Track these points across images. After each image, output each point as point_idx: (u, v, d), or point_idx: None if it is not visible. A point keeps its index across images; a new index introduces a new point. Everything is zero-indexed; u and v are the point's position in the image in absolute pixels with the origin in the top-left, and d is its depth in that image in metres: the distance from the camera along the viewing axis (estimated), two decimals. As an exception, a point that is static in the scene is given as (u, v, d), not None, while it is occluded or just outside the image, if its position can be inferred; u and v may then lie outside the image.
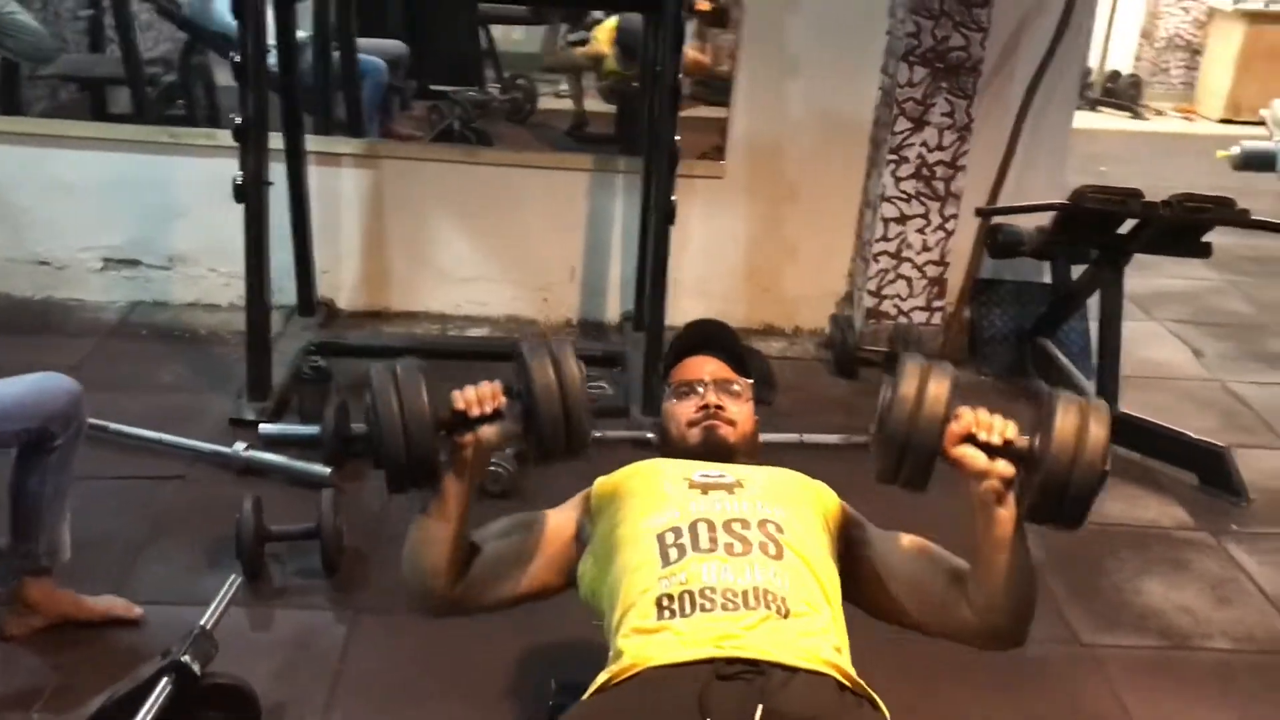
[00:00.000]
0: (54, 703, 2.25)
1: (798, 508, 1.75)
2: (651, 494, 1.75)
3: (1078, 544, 3.06)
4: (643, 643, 1.55)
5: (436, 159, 4.26)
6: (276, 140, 3.59)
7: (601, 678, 1.55)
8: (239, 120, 3.22)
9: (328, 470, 3.05)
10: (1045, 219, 3.69)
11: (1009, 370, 4.08)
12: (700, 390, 1.92)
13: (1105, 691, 2.53)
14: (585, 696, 1.55)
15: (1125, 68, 9.15)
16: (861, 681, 1.55)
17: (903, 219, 3.99)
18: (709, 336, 2.06)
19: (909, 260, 4.03)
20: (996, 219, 3.85)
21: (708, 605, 1.56)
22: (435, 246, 4.22)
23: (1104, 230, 3.56)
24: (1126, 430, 3.55)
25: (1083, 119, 4.34)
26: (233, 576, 2.27)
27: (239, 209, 3.30)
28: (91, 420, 2.46)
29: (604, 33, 5.37)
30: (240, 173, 3.26)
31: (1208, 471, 3.45)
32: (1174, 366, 4.36)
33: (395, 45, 4.89)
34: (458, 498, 1.72)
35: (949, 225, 4.00)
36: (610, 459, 1.98)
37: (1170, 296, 4.97)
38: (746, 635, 1.52)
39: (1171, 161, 7.24)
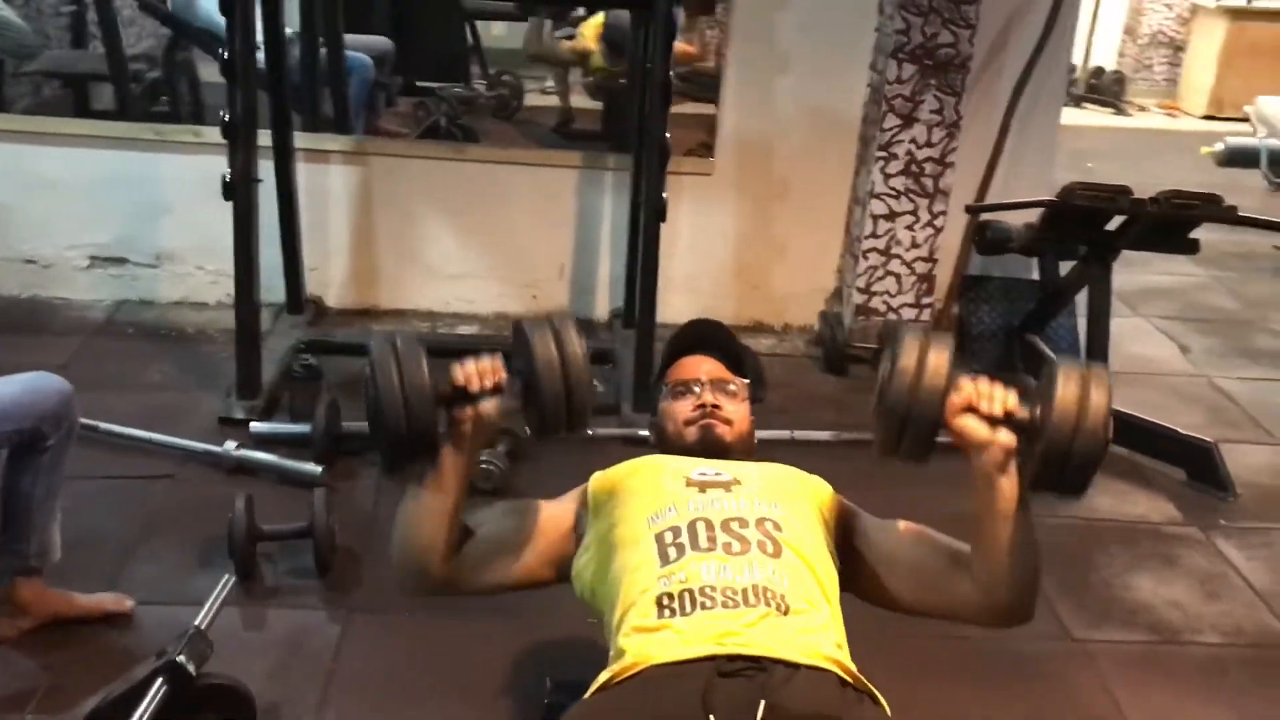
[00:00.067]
0: (46, 704, 2.24)
1: (795, 504, 1.76)
2: (650, 493, 1.75)
3: (1068, 540, 3.09)
4: (644, 641, 1.55)
5: (425, 156, 4.24)
6: (264, 137, 3.57)
7: (603, 676, 1.55)
8: (228, 117, 3.20)
9: (319, 469, 3.04)
10: (1034, 215, 3.70)
11: (997, 367, 4.08)
12: (697, 390, 1.93)
13: (1097, 686, 2.55)
14: (587, 695, 1.55)
15: (1109, 64, 9.19)
16: (862, 677, 1.56)
17: (892, 216, 4.00)
18: (705, 336, 2.06)
19: (898, 257, 4.04)
20: (985, 215, 3.86)
21: (708, 603, 1.56)
22: (424, 244, 4.21)
23: (1092, 227, 3.57)
24: (1114, 426, 3.56)
25: (1067, 115, 4.35)
26: (226, 576, 2.26)
27: (226, 206, 3.28)
28: (82, 420, 2.45)
29: (590, 29, 5.36)
30: (229, 170, 3.24)
31: (1195, 467, 3.47)
32: (1161, 362, 4.39)
33: (381, 41, 4.87)
34: (456, 472, 1.69)
35: (938, 222, 4.01)
36: (602, 456, 1.98)
37: (1157, 293, 5.00)
38: (747, 632, 1.53)
39: (1156, 158, 7.28)
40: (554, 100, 5.38)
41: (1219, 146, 7.18)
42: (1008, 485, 1.61)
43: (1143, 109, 9.10)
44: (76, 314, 4.06)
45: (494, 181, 4.17)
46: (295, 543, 2.70)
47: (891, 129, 3.90)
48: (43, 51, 4.43)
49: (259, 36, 3.51)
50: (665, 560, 1.63)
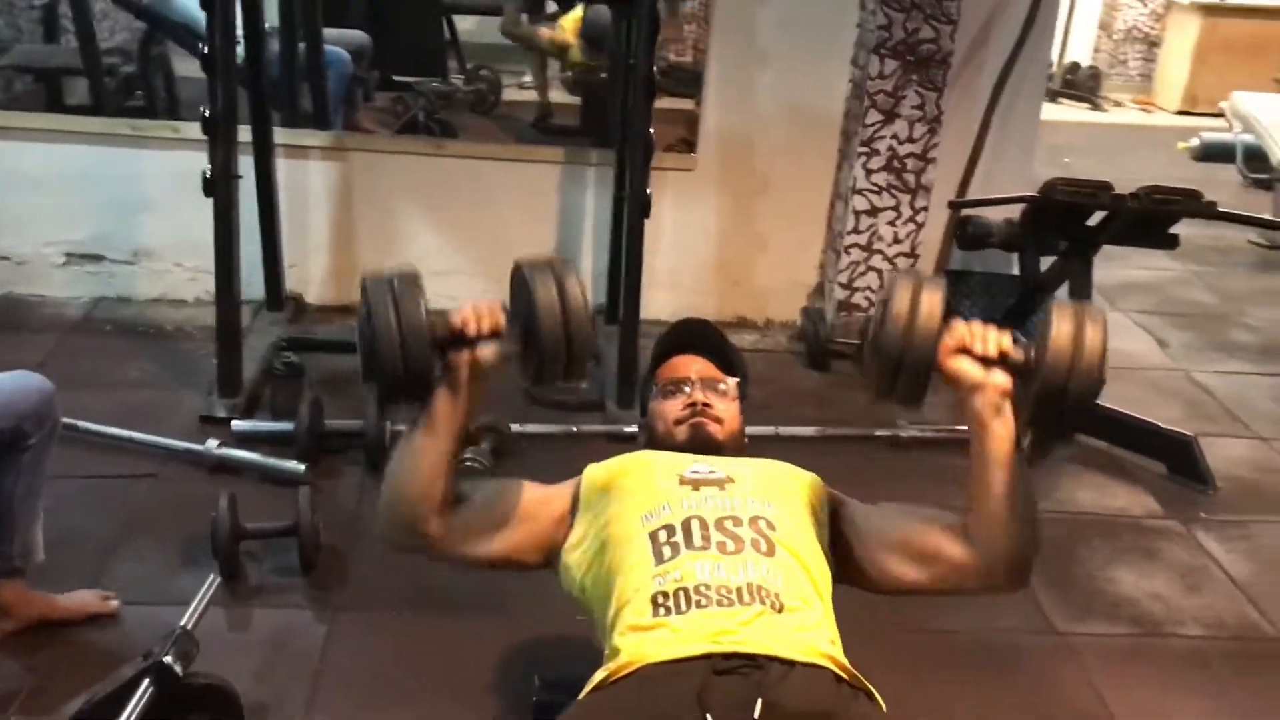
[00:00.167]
0: (30, 705, 2.21)
1: (788, 502, 1.75)
2: (643, 491, 1.74)
3: (1050, 533, 3.07)
4: (639, 640, 1.55)
5: (405, 151, 4.22)
6: (243, 133, 3.54)
7: (599, 676, 1.55)
8: (208, 113, 3.17)
9: (302, 467, 3.02)
10: (1014, 211, 3.72)
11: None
12: (688, 389, 1.92)
13: (1082, 680, 2.56)
14: (583, 695, 1.54)
15: (1084, 60, 9.24)
16: (857, 673, 1.56)
17: (874, 211, 4.00)
18: (696, 335, 2.05)
19: (880, 252, 4.05)
20: (966, 211, 3.87)
21: (703, 602, 1.56)
22: (405, 240, 4.19)
23: (1073, 222, 3.59)
24: (1095, 420, 3.60)
25: (1044, 110, 4.37)
26: (212, 576, 2.25)
27: (204, 203, 3.25)
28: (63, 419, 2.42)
29: (570, 22, 5.34)
30: (210, 166, 3.21)
31: (1175, 460, 3.49)
32: (1140, 357, 4.41)
33: (358, 36, 4.84)
34: (451, 418, 1.66)
35: (919, 218, 4.02)
36: (586, 453, 1.97)
37: (1135, 287, 5.03)
38: (742, 630, 1.53)
39: (1131, 153, 7.32)
40: (532, 95, 5.37)
41: (1195, 142, 7.25)
42: (1002, 428, 1.59)
43: (1118, 104, 9.15)
44: (53, 311, 4.02)
45: (475, 177, 4.15)
46: (279, 541, 2.68)
47: (873, 124, 3.90)
48: (14, 46, 4.38)
49: (239, 31, 3.47)
50: (660, 559, 1.63)
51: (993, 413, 1.59)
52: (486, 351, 1.64)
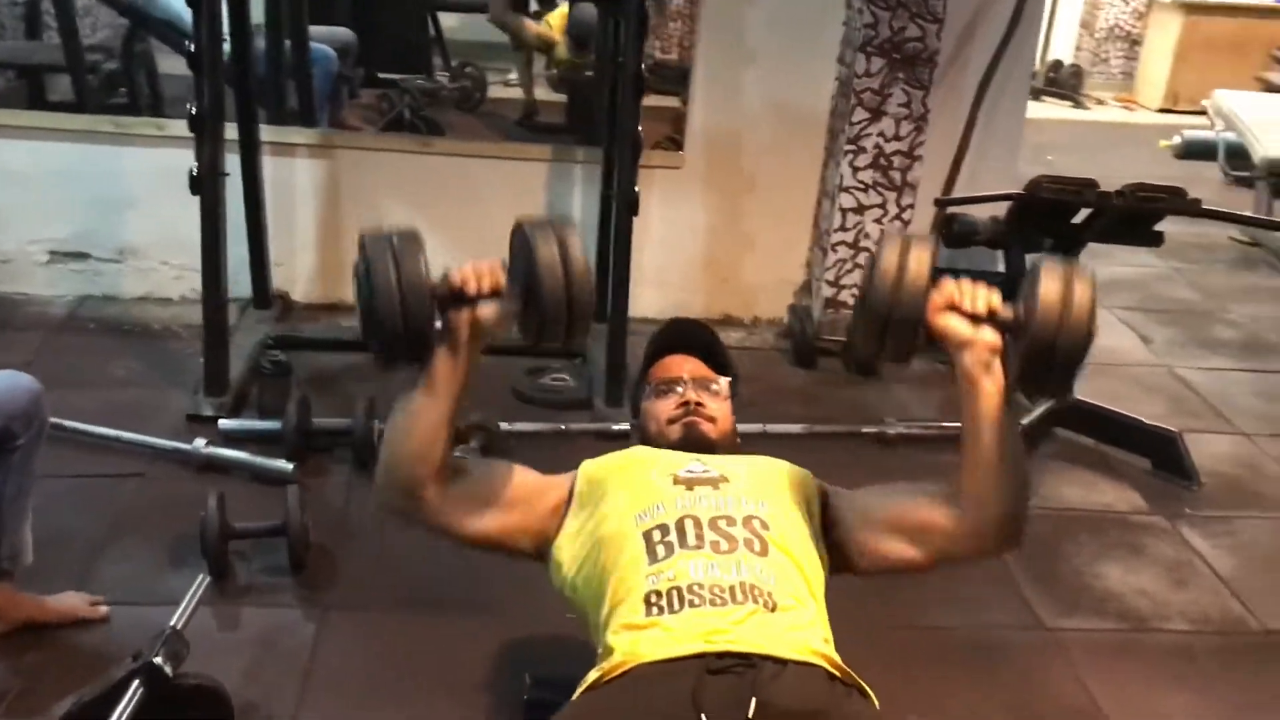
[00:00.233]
0: (18, 706, 2.20)
1: (782, 501, 1.76)
2: (637, 489, 1.75)
3: (1037, 529, 3.10)
4: (633, 639, 1.55)
5: (392, 149, 4.21)
6: (229, 130, 3.52)
7: (592, 675, 1.55)
8: (194, 110, 3.16)
9: (290, 466, 3.01)
10: (1000, 208, 3.73)
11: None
12: (680, 389, 1.93)
13: (1069, 675, 2.58)
14: (576, 695, 1.54)
15: (1067, 58, 9.28)
16: (850, 671, 1.57)
17: (860, 209, 4.01)
18: (688, 335, 2.06)
19: (867, 250, 4.05)
20: (952, 209, 3.88)
21: (696, 601, 1.57)
22: (391, 238, 4.17)
23: (1058, 220, 3.60)
24: (1080, 417, 3.62)
25: (1027, 109, 4.39)
26: (201, 576, 2.24)
27: (190, 200, 3.23)
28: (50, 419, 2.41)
29: (556, 19, 5.35)
30: (196, 164, 3.19)
31: (1160, 456, 3.51)
32: (1123, 353, 4.44)
33: (343, 33, 4.83)
34: (451, 378, 1.65)
35: (906, 215, 4.03)
36: (574, 451, 1.97)
37: (1118, 284, 5.05)
38: (735, 630, 1.54)
39: (1114, 150, 7.36)
40: (517, 92, 5.37)
41: (1177, 139, 7.29)
42: (992, 386, 1.59)
43: (1100, 102, 9.19)
44: (37, 310, 3.99)
45: (461, 174, 4.14)
46: (268, 541, 2.67)
47: (860, 122, 3.91)
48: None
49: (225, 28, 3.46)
50: (654, 558, 1.63)
51: (982, 370, 1.59)
52: (487, 310, 1.62)
